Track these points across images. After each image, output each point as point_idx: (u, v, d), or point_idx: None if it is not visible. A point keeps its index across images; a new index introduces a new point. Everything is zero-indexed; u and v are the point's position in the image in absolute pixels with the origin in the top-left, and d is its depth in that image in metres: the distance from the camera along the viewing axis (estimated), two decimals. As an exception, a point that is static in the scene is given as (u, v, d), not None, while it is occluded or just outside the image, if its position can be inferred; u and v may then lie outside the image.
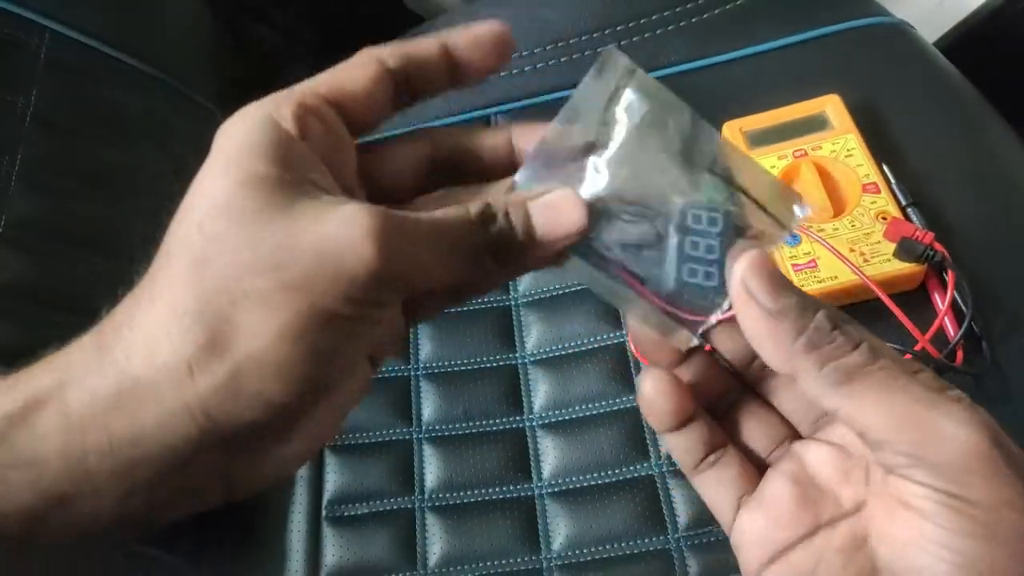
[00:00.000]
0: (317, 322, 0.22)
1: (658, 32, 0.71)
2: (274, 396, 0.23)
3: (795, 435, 0.30)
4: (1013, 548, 0.23)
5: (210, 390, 0.22)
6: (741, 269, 0.25)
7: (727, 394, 0.30)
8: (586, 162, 0.26)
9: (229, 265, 0.22)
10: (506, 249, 0.25)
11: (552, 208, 0.25)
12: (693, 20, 0.71)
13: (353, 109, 0.26)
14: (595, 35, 0.72)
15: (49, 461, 0.22)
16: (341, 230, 0.22)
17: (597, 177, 0.26)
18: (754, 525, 0.28)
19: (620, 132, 0.27)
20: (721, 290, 0.27)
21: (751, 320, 0.25)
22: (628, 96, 0.27)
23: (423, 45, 0.27)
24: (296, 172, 0.23)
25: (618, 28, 0.72)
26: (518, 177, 0.26)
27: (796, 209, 0.28)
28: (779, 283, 0.25)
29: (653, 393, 0.28)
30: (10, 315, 0.48)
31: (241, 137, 0.24)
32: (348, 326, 0.23)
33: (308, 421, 0.24)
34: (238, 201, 0.23)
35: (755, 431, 0.30)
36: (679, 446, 0.29)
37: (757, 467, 0.29)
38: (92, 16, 0.60)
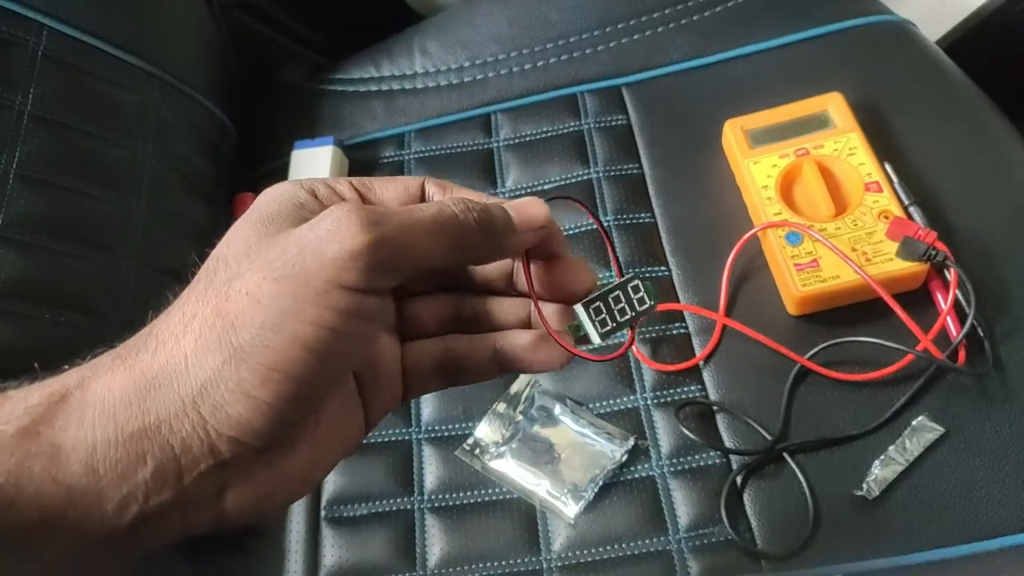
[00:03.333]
0: (301, 313, 0.24)
1: (659, 30, 0.71)
2: (255, 390, 0.24)
3: None
4: None
5: (200, 382, 0.24)
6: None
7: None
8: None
9: (231, 274, 0.25)
10: (490, 229, 0.28)
11: (524, 205, 0.29)
12: (695, 18, 0.71)
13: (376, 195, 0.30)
14: (596, 33, 0.72)
15: (67, 453, 0.23)
16: (321, 225, 0.25)
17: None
18: None
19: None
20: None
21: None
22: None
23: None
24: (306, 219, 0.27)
25: (619, 26, 0.71)
26: None
27: None
28: None
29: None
30: (9, 313, 0.48)
31: (269, 195, 0.28)
32: (334, 318, 0.24)
33: (294, 452, 0.26)
34: (252, 234, 0.26)
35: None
36: None
37: None
38: (90, 13, 0.60)
